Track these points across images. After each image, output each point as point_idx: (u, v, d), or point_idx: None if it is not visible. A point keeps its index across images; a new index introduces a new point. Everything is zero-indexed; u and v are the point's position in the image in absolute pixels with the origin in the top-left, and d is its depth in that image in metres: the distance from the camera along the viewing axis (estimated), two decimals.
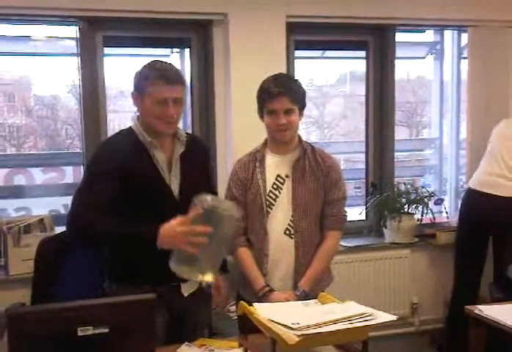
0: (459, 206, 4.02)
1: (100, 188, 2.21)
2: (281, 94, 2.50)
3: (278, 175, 2.61)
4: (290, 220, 2.57)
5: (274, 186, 2.60)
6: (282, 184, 2.60)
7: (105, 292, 2.44)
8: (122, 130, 2.46)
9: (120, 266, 2.40)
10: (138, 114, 2.39)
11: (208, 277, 2.14)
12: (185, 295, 2.43)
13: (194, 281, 2.30)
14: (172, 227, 2.08)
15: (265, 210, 2.58)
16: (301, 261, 2.58)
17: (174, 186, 2.36)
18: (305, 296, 2.43)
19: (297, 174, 2.59)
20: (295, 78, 2.72)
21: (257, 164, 2.63)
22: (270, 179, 2.61)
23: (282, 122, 2.52)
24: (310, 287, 2.52)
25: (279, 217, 2.59)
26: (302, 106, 2.61)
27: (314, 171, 2.60)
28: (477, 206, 3.77)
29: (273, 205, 2.59)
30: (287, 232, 2.58)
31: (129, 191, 2.23)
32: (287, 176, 2.60)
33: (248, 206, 2.62)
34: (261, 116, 2.62)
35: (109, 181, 2.21)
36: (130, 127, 2.40)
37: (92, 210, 2.18)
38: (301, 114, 2.61)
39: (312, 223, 2.61)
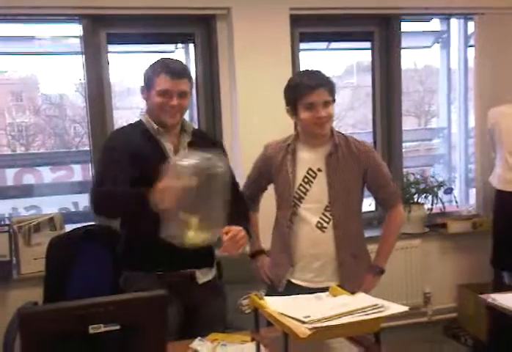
0: (493, 207, 3.97)
1: (117, 169, 2.28)
2: (319, 87, 2.45)
3: (310, 169, 2.56)
4: (322, 213, 2.54)
5: (305, 180, 2.56)
6: (314, 178, 2.55)
7: (119, 286, 2.48)
8: (131, 123, 2.55)
9: (133, 253, 2.45)
10: (146, 108, 2.48)
11: (207, 235, 2.12)
12: (200, 282, 2.44)
13: (196, 242, 2.15)
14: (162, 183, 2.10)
15: (295, 203, 2.56)
16: (344, 253, 2.57)
17: None
18: (381, 273, 2.70)
19: (331, 167, 2.54)
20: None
21: (289, 157, 2.58)
22: (300, 173, 2.57)
23: (323, 115, 2.46)
24: (385, 264, 2.70)
25: (311, 211, 2.56)
26: (334, 98, 2.55)
27: (348, 163, 2.55)
28: None
29: (303, 199, 2.56)
30: (319, 225, 2.55)
31: (134, 172, 2.28)
32: (319, 170, 2.55)
33: (277, 198, 2.65)
34: (292, 113, 2.55)
35: (124, 163, 2.28)
36: (140, 119, 2.49)
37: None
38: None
39: (351, 214, 2.58)
